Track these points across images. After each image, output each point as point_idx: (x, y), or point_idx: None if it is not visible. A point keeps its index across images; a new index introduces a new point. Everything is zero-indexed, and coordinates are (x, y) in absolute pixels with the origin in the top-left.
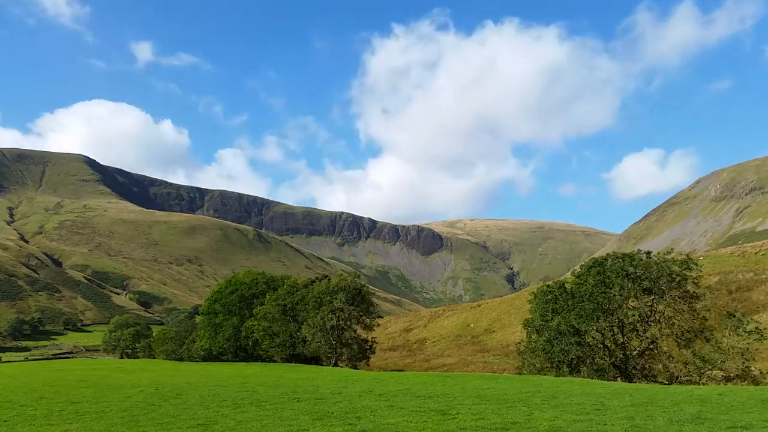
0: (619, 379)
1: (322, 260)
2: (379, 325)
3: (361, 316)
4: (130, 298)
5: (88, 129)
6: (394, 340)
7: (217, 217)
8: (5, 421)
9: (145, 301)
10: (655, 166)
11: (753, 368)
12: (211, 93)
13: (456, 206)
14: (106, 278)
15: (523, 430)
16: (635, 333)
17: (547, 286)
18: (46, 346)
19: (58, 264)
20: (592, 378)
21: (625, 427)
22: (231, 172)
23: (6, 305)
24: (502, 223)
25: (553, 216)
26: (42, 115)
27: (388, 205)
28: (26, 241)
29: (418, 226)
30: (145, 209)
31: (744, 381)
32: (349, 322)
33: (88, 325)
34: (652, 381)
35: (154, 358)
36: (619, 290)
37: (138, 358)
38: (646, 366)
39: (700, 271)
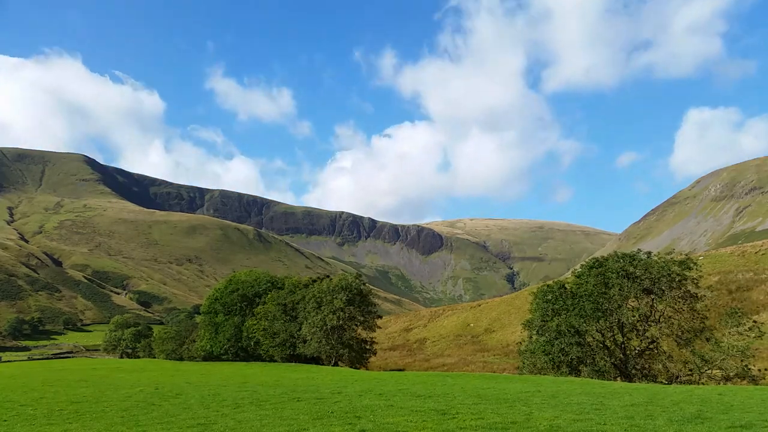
0: (619, 378)
1: (322, 260)
2: (380, 327)
3: (361, 316)
4: (130, 298)
5: None
6: (394, 339)
7: (217, 217)
8: (5, 421)
9: (145, 300)
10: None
11: (752, 367)
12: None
13: None
14: (106, 278)
15: (522, 429)
16: (635, 333)
17: (548, 286)
18: (46, 345)
19: (58, 264)
20: (592, 378)
21: (625, 427)
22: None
23: (6, 305)
24: (502, 222)
25: (553, 216)
26: None
27: None
28: (26, 241)
29: (418, 226)
30: (145, 209)
31: (743, 380)
32: (349, 323)
33: (88, 324)
34: (652, 381)
35: (154, 357)
36: (619, 290)
37: (138, 357)
38: (646, 366)
39: (700, 271)
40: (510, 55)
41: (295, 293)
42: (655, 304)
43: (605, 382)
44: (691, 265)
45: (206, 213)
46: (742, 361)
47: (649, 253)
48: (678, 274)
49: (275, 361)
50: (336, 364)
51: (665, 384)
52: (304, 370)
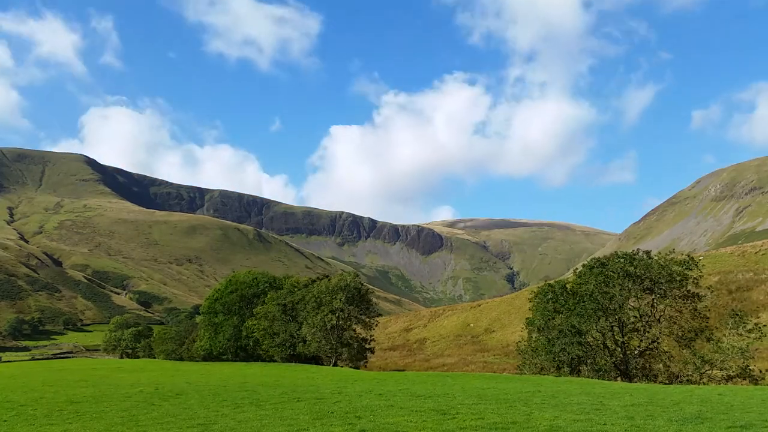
0: (619, 378)
1: (322, 260)
2: (378, 323)
3: (361, 315)
4: (130, 298)
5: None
6: (394, 339)
7: (217, 217)
8: (5, 421)
9: (145, 300)
10: None
11: (753, 368)
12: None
13: None
14: (106, 278)
15: (522, 429)
16: (636, 333)
17: (548, 285)
18: (46, 345)
19: (58, 264)
20: (593, 378)
21: (625, 427)
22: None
23: (6, 305)
24: (502, 222)
25: (553, 216)
26: None
27: None
28: (26, 241)
29: (418, 226)
30: (145, 209)
31: (744, 380)
32: (349, 322)
33: (88, 324)
34: (653, 381)
35: (154, 357)
36: (620, 290)
37: (138, 357)
38: (647, 366)
39: (701, 271)
40: None
41: (295, 293)
42: (655, 304)
43: (605, 382)
44: (692, 264)
45: (206, 213)
46: (742, 361)
47: (649, 252)
48: (679, 274)
49: (275, 361)
50: (336, 364)
51: (665, 384)
52: (304, 370)
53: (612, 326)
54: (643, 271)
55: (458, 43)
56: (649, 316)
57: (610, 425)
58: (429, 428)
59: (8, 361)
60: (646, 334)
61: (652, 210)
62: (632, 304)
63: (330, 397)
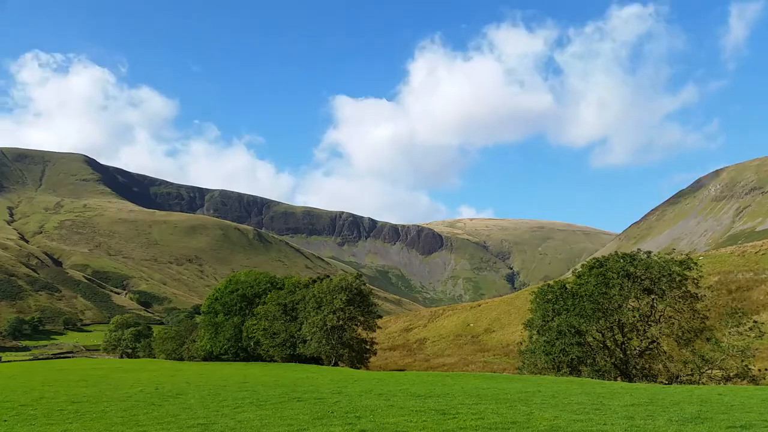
0: (619, 378)
1: (322, 260)
2: (380, 327)
3: (361, 316)
4: (130, 298)
5: None
6: (394, 339)
7: (217, 217)
8: (5, 421)
9: (145, 300)
10: None
11: (752, 368)
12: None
13: None
14: (106, 278)
15: (523, 429)
16: (635, 333)
17: (548, 285)
18: (46, 345)
19: (58, 264)
20: (593, 378)
21: (625, 427)
22: None
23: (6, 305)
24: (502, 222)
25: (553, 216)
26: None
27: None
28: (26, 241)
29: (418, 226)
30: (145, 209)
31: (744, 380)
32: (349, 323)
33: (88, 324)
34: (653, 381)
35: (155, 357)
36: (620, 290)
37: (138, 357)
38: (647, 366)
39: (701, 271)
40: None
41: (295, 293)
42: (655, 304)
43: (605, 382)
44: (692, 265)
45: (206, 213)
46: (742, 361)
47: (649, 252)
48: (678, 274)
49: (275, 361)
50: (336, 364)
51: (665, 384)
52: (304, 370)
53: (612, 326)
54: (642, 272)
55: None
56: (649, 317)
57: (610, 425)
58: (429, 428)
59: (8, 361)
60: (646, 334)
61: (652, 210)
62: (632, 305)
63: (330, 397)
